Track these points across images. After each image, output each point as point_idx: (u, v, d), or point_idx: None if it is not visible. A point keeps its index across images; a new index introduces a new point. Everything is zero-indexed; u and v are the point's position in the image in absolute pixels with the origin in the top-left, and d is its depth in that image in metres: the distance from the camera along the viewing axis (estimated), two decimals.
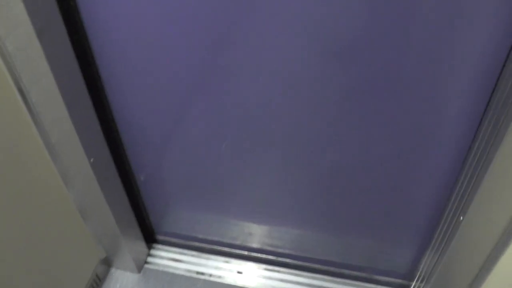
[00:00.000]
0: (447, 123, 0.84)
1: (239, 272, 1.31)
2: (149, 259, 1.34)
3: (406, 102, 0.83)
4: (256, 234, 1.27)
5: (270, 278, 1.30)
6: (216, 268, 1.32)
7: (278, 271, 1.31)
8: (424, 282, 1.15)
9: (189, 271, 1.32)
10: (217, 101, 0.93)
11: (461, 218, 0.89)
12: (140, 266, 1.32)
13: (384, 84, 0.82)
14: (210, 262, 1.33)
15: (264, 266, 1.32)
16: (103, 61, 0.91)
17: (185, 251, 1.35)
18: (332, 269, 1.28)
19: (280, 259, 1.31)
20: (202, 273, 1.31)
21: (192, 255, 1.35)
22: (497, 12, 0.67)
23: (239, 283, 1.29)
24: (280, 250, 1.29)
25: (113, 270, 1.32)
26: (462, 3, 0.67)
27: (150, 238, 1.37)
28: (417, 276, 1.19)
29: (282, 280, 1.29)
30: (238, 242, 1.31)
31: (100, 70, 0.92)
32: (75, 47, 0.86)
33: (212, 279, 1.30)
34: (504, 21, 0.67)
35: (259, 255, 1.32)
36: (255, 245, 1.31)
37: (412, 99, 0.82)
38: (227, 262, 1.34)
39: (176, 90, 0.93)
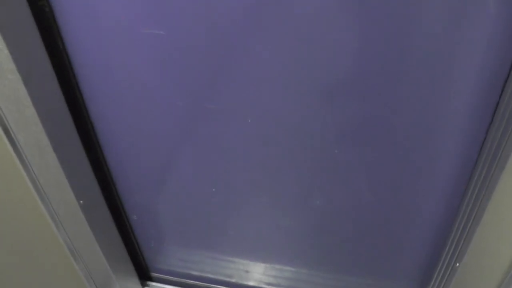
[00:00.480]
0: (442, 171, 0.83)
1: None
2: None
3: (400, 148, 0.82)
4: (252, 271, 1.25)
5: None
6: None
7: None
8: None
9: None
10: (205, 144, 0.92)
11: (457, 264, 0.87)
12: None
13: (378, 130, 0.81)
14: None
15: None
16: (94, 105, 0.90)
17: None
18: None
19: None
20: None
21: None
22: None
23: None
24: None
25: None
26: (460, 37, 0.66)
27: (144, 275, 1.34)
28: None
29: None
30: (233, 280, 1.29)
31: (90, 114, 0.92)
32: (65, 91, 0.86)
33: None
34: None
35: None
36: (251, 283, 1.28)
37: (406, 146, 0.81)
38: None
39: (166, 132, 0.92)
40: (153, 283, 1.35)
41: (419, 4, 0.64)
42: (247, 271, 1.25)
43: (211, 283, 1.31)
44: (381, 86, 0.75)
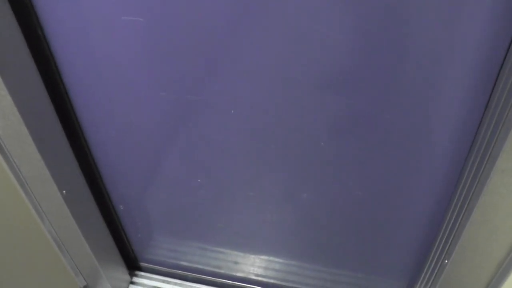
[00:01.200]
0: (431, 168, 0.81)
1: None
2: (131, 287, 1.31)
3: (389, 144, 0.80)
4: (241, 263, 1.23)
5: None
6: None
7: None
8: None
9: None
10: (190, 135, 0.90)
11: (446, 261, 0.86)
12: None
13: (366, 126, 0.78)
14: None
15: None
16: (77, 94, 0.88)
17: (168, 279, 1.32)
18: None
19: None
20: None
21: (176, 284, 1.31)
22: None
23: None
24: (265, 280, 1.26)
25: None
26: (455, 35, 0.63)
27: (133, 265, 1.33)
28: None
29: None
30: (222, 271, 1.28)
31: (74, 103, 0.89)
32: (47, 80, 0.83)
33: None
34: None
35: (243, 284, 1.29)
36: (239, 274, 1.27)
37: (396, 143, 0.79)
38: None
39: (150, 122, 0.90)
40: (142, 273, 1.34)
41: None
42: (235, 262, 1.23)
43: (200, 274, 1.30)
44: (370, 81, 0.72)
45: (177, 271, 1.31)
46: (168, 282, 1.31)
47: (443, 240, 0.86)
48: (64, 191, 0.94)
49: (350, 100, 0.75)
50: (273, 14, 0.68)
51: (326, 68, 0.73)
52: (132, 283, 1.31)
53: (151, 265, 1.33)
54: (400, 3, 0.62)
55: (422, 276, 0.98)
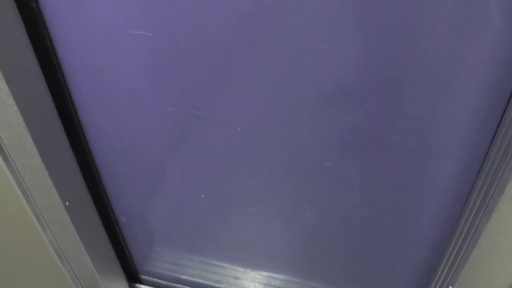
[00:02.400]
0: (438, 191, 0.80)
1: None
2: None
3: (394, 165, 0.79)
4: (241, 278, 1.22)
5: None
6: None
7: None
8: None
9: None
10: (194, 150, 0.89)
11: (450, 287, 0.84)
12: None
13: (372, 146, 0.78)
14: None
15: None
16: (83, 106, 0.88)
17: None
18: None
19: None
20: None
21: None
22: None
23: None
24: None
25: None
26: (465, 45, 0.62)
27: (133, 278, 1.32)
28: None
29: None
30: (222, 286, 1.27)
31: (80, 116, 0.89)
32: (54, 92, 0.83)
33: None
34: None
35: None
36: None
37: (401, 164, 0.78)
38: None
39: (155, 135, 0.90)
40: (142, 286, 1.33)
41: (420, 11, 0.61)
42: (236, 278, 1.22)
43: None
44: (377, 98, 0.72)
45: (177, 285, 1.30)
46: None
47: (448, 267, 0.85)
48: (67, 202, 0.94)
49: (358, 118, 0.75)
50: (281, 31, 0.68)
51: (335, 86, 0.72)
52: None
53: (151, 278, 1.32)
54: (410, 21, 0.62)
55: None
